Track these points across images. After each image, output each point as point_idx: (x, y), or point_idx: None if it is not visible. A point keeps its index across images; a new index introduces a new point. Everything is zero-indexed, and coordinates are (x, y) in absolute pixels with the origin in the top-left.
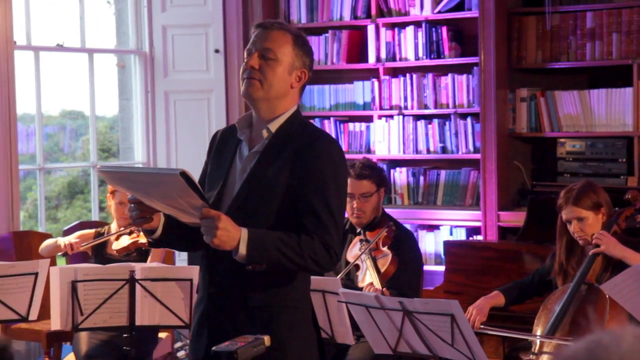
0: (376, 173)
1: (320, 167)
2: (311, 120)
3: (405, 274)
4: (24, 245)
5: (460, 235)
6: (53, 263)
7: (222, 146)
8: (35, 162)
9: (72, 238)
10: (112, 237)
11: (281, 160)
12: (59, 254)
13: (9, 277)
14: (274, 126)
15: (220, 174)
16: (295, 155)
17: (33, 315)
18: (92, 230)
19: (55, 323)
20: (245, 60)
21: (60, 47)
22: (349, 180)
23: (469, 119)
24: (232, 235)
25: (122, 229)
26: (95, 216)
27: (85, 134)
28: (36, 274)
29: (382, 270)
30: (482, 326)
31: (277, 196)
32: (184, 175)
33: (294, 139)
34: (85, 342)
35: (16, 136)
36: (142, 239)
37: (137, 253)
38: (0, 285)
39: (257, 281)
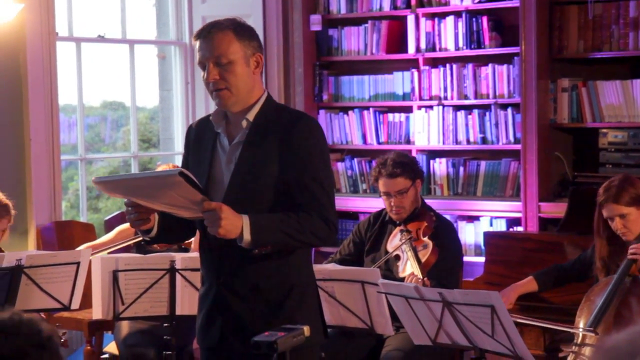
0: (408, 167)
1: (305, 146)
2: (350, 111)
3: (445, 264)
4: (66, 235)
5: (501, 226)
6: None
7: (199, 140)
8: (77, 152)
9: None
10: None
11: (266, 145)
12: None
13: (52, 266)
14: (251, 115)
15: (203, 168)
16: (279, 138)
17: (75, 305)
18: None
19: (97, 312)
20: (204, 75)
21: (101, 38)
22: (383, 180)
23: (509, 110)
24: (235, 224)
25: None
26: None
27: (126, 124)
28: (78, 264)
29: (423, 260)
30: (521, 318)
31: (269, 181)
32: (183, 174)
33: (274, 123)
34: (127, 331)
35: (58, 127)
36: None
37: (178, 246)
38: (42, 275)
39: (266, 264)
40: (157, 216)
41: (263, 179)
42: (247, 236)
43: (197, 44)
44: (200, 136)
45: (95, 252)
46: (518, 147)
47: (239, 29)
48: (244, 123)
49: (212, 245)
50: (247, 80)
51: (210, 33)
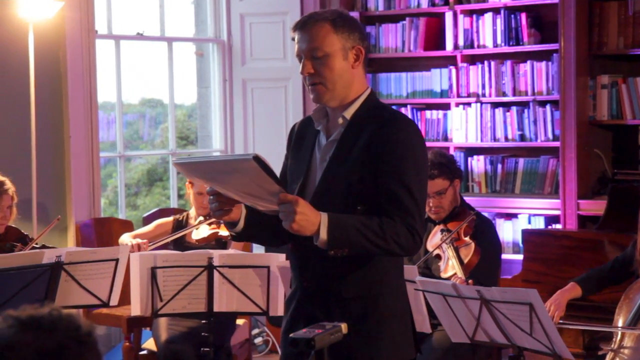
0: (446, 168)
1: (396, 149)
2: None
3: (486, 263)
4: (105, 231)
5: (539, 223)
6: None
7: (301, 139)
8: (116, 149)
9: (139, 239)
10: (194, 228)
11: (358, 146)
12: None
13: (91, 263)
14: (349, 113)
15: (301, 166)
16: (371, 138)
17: (114, 301)
18: (171, 219)
19: (136, 309)
20: (300, 67)
21: (140, 36)
22: None
23: (548, 107)
24: (312, 220)
25: (200, 218)
26: (174, 203)
27: (164, 122)
28: (117, 260)
29: (466, 260)
30: (561, 321)
31: (356, 184)
32: (257, 159)
33: (370, 123)
34: (165, 328)
35: (97, 124)
36: (222, 231)
37: (216, 242)
38: (82, 271)
39: (350, 272)
40: (244, 211)
41: (351, 181)
42: (323, 235)
43: (294, 35)
44: (301, 135)
45: (151, 244)
46: (557, 144)
47: (338, 20)
48: (340, 120)
49: (298, 246)
50: (345, 74)
51: (306, 24)
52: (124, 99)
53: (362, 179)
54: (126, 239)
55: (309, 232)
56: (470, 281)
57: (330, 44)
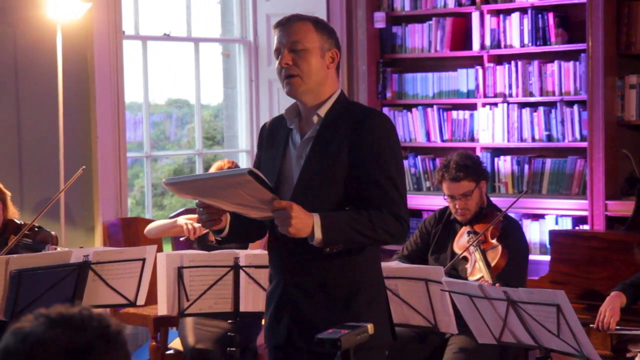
0: (472, 170)
1: (375, 141)
2: (414, 109)
3: (514, 266)
4: (132, 231)
5: (566, 224)
6: (160, 249)
7: (273, 137)
8: (143, 149)
9: (195, 221)
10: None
11: (336, 141)
12: (179, 237)
13: (118, 262)
14: (322, 111)
15: (274, 164)
16: (349, 133)
17: (141, 301)
18: (195, 216)
19: (162, 308)
20: (277, 61)
21: (167, 37)
22: (446, 183)
23: (575, 107)
24: (306, 222)
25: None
26: None
27: (191, 122)
28: (144, 260)
29: (493, 263)
30: (617, 327)
31: (338, 177)
32: (252, 173)
33: (345, 119)
34: (191, 328)
35: (124, 124)
36: None
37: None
38: (109, 271)
39: (333, 262)
40: (228, 217)
41: (332, 175)
42: (318, 235)
43: (275, 32)
44: (273, 134)
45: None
46: (584, 144)
47: (319, 23)
48: (315, 118)
49: (280, 243)
50: (320, 72)
51: (289, 21)
52: (151, 100)
53: (341, 173)
54: (182, 220)
55: (304, 234)
56: (497, 284)
57: (311, 40)
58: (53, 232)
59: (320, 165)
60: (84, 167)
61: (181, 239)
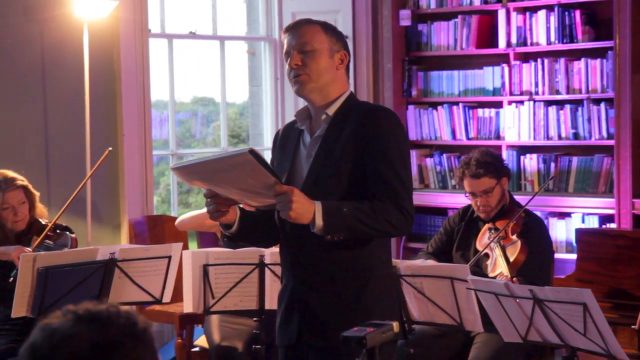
0: (492, 167)
1: (381, 135)
2: (439, 107)
3: (535, 262)
4: (157, 229)
5: (593, 222)
6: (185, 246)
7: (285, 141)
8: (168, 147)
9: None
10: None
11: (343, 138)
12: (211, 229)
13: (144, 260)
14: (331, 110)
15: (285, 164)
16: (356, 129)
17: (166, 298)
18: None
19: (188, 306)
20: (287, 63)
21: (192, 35)
22: (467, 180)
23: (602, 105)
24: (307, 208)
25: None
26: None
27: (216, 120)
28: (169, 258)
29: (512, 259)
30: None
31: (345, 174)
32: (253, 152)
33: (352, 117)
34: (217, 326)
35: (150, 122)
36: None
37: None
38: (135, 268)
39: (341, 256)
40: (239, 212)
41: (339, 171)
42: (319, 221)
43: (285, 37)
44: (285, 138)
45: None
46: (611, 142)
47: (328, 25)
48: (324, 117)
49: (288, 239)
50: (329, 71)
51: (298, 24)
52: (177, 98)
53: (348, 170)
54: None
55: (305, 219)
56: (515, 279)
57: (320, 41)
58: (73, 235)
59: (328, 162)
60: (110, 148)
61: (213, 229)
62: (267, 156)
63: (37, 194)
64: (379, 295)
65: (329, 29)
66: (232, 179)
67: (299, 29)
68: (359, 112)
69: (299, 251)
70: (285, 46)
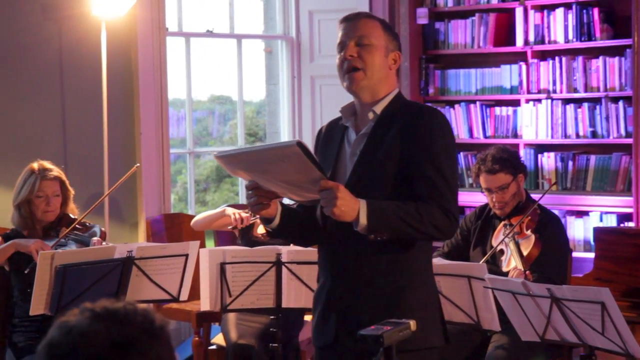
0: (509, 163)
1: (428, 136)
2: (457, 105)
3: (549, 257)
4: (175, 227)
5: (611, 221)
6: (202, 245)
7: (328, 138)
8: (186, 146)
9: (242, 211)
10: (258, 220)
11: (389, 138)
12: (226, 227)
13: (161, 258)
14: (378, 108)
15: (328, 162)
16: (402, 129)
17: (184, 296)
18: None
19: (205, 304)
20: (341, 53)
21: (210, 33)
22: (483, 176)
23: (620, 103)
24: (352, 206)
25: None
26: (242, 199)
27: (233, 118)
28: (186, 256)
29: (525, 253)
30: None
31: (389, 174)
32: (301, 145)
33: (400, 116)
34: (234, 324)
35: (167, 121)
36: None
37: (269, 237)
38: (152, 266)
39: (381, 260)
40: (280, 207)
41: (384, 171)
42: (363, 220)
43: (340, 27)
44: (329, 135)
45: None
46: (629, 141)
47: (386, 24)
48: (371, 115)
49: (329, 237)
50: (382, 70)
51: (358, 16)
52: (194, 96)
53: (393, 170)
54: (230, 210)
55: (349, 217)
56: (528, 273)
57: (378, 37)
58: (103, 229)
59: (372, 161)
60: (137, 164)
61: (229, 227)
62: None
63: (72, 191)
64: (419, 300)
65: (387, 28)
66: (277, 171)
67: (358, 20)
68: (406, 112)
69: (338, 250)
70: (340, 36)
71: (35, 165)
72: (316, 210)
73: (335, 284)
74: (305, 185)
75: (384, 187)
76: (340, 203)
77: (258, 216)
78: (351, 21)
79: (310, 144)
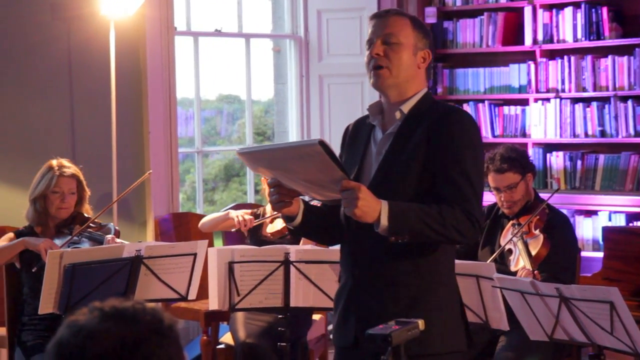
0: (517, 162)
1: (455, 138)
2: (465, 104)
3: (558, 257)
4: (183, 226)
5: (620, 221)
6: (211, 244)
7: (355, 136)
8: (194, 145)
9: (246, 214)
10: (267, 220)
11: (416, 138)
12: (231, 229)
13: (170, 257)
14: (406, 107)
15: (354, 160)
16: (429, 129)
17: (192, 295)
18: (248, 211)
19: (213, 303)
20: (368, 50)
21: (218, 33)
22: (492, 175)
23: (629, 102)
24: (373, 207)
25: (276, 212)
26: (250, 199)
27: (241, 117)
28: (195, 255)
29: (534, 252)
30: None
31: (414, 174)
32: (323, 144)
33: (427, 116)
34: (242, 323)
35: (176, 120)
36: None
37: (292, 236)
38: (161, 266)
39: (403, 260)
40: (302, 206)
41: (408, 172)
42: (384, 221)
43: (370, 24)
44: (355, 133)
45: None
46: (638, 140)
47: (417, 21)
48: (398, 114)
49: (352, 237)
50: (410, 69)
51: (388, 13)
52: (202, 95)
53: (418, 171)
54: (234, 213)
55: (370, 218)
56: (537, 272)
57: (406, 35)
58: (117, 227)
59: (398, 161)
60: (150, 171)
61: (233, 229)
62: None
63: (88, 191)
64: (440, 303)
65: (417, 25)
66: (299, 169)
67: (387, 18)
68: (434, 112)
69: (360, 251)
70: (369, 33)
71: (54, 161)
72: (339, 209)
73: (356, 284)
74: (327, 185)
75: (408, 187)
76: (362, 204)
77: (260, 220)
78: (380, 18)
79: None
